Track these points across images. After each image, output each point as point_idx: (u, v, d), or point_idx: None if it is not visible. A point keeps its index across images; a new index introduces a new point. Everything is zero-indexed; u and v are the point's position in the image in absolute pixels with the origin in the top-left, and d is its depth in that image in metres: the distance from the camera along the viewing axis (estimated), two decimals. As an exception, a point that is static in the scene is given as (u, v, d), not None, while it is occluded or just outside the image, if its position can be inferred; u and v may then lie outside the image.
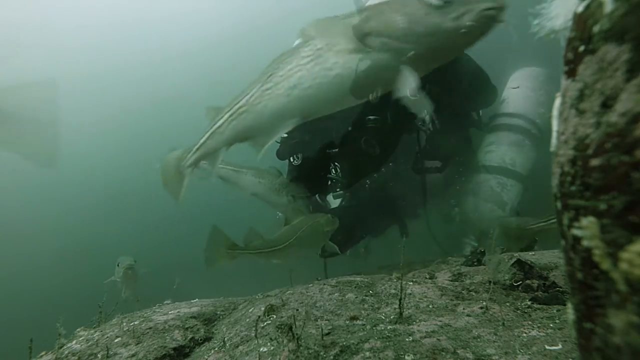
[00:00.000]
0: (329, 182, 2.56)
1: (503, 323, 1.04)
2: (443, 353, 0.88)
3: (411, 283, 1.40)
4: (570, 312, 0.48)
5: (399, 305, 1.13)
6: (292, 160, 2.38)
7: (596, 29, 0.40)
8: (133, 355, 1.17)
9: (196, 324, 1.37)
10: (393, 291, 1.36)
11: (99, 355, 1.20)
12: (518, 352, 0.88)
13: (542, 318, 1.06)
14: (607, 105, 0.38)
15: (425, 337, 0.97)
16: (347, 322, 1.15)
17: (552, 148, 0.48)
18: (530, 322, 1.04)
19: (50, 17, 13.89)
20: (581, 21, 0.43)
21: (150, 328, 1.32)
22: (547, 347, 0.89)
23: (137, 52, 15.22)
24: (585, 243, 0.41)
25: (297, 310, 1.27)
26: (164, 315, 1.45)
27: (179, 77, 15.64)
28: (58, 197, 13.42)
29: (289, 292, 1.48)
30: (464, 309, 1.16)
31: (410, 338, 0.97)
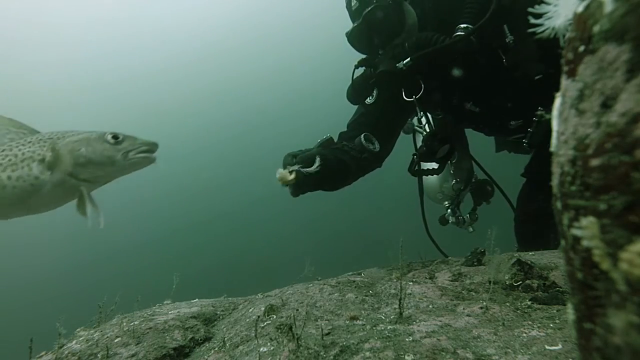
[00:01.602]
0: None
1: (503, 323, 1.04)
2: (443, 353, 0.88)
3: (411, 283, 1.41)
4: (570, 312, 0.48)
5: (399, 305, 1.13)
6: None
7: (596, 29, 0.40)
8: (133, 355, 1.17)
9: (196, 324, 1.37)
10: (393, 291, 1.36)
11: (99, 355, 1.20)
12: (518, 352, 0.88)
13: (542, 318, 1.06)
14: (607, 105, 0.38)
15: (425, 337, 0.97)
16: (347, 322, 1.15)
17: (552, 148, 0.48)
18: (530, 322, 1.04)
19: (54, 30, 13.96)
20: (581, 21, 0.43)
21: (150, 328, 1.32)
22: (547, 347, 0.89)
23: (139, 61, 15.30)
24: (585, 243, 0.41)
25: (297, 310, 1.27)
26: (164, 315, 1.45)
27: (182, 84, 15.72)
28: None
29: (289, 292, 1.48)
30: (464, 309, 1.16)
31: (410, 338, 0.97)
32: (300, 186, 1.91)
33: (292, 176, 1.79)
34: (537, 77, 2.03)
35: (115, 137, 1.10)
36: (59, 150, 1.02)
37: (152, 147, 1.20)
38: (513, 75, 2.09)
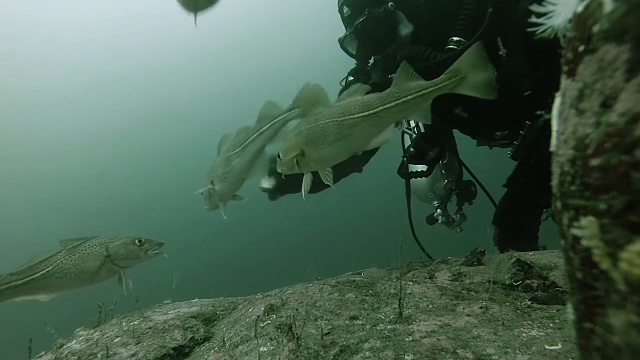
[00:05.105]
0: None
1: (503, 323, 1.04)
2: (443, 353, 0.88)
3: (411, 283, 1.40)
4: (570, 312, 0.48)
5: (399, 305, 1.13)
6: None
7: (596, 29, 0.40)
8: (133, 355, 1.17)
9: (196, 324, 1.37)
10: (393, 291, 1.36)
11: (99, 355, 1.20)
12: (518, 352, 0.88)
13: (542, 318, 1.06)
14: (607, 105, 0.38)
15: (425, 337, 0.97)
16: (347, 322, 1.15)
17: (552, 148, 0.48)
18: (530, 322, 1.04)
19: (56, 30, 13.97)
20: (581, 21, 0.43)
21: (150, 328, 1.32)
22: (547, 347, 0.89)
23: (139, 60, 15.32)
24: (585, 243, 0.41)
25: (297, 310, 1.27)
26: (164, 315, 1.45)
27: (184, 84, 15.75)
28: (62, 205, 13.54)
29: (289, 292, 1.48)
30: (464, 309, 1.16)
31: (410, 338, 0.97)
32: (275, 191, 1.98)
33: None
34: (526, 94, 2.03)
35: (140, 241, 1.72)
36: (110, 250, 1.68)
37: (161, 246, 1.78)
38: (503, 88, 2.11)
